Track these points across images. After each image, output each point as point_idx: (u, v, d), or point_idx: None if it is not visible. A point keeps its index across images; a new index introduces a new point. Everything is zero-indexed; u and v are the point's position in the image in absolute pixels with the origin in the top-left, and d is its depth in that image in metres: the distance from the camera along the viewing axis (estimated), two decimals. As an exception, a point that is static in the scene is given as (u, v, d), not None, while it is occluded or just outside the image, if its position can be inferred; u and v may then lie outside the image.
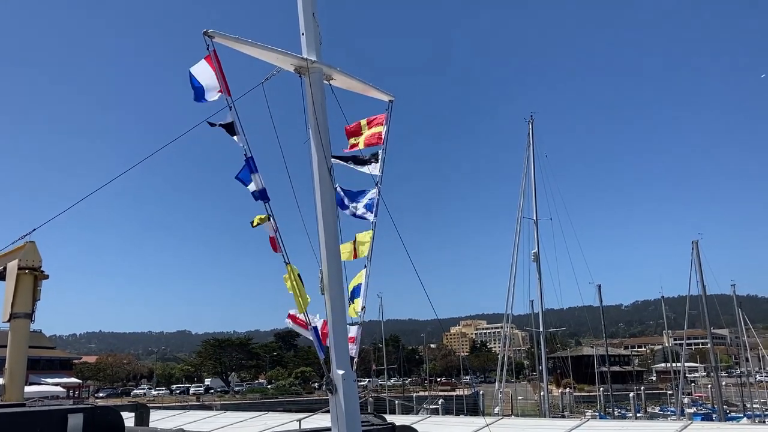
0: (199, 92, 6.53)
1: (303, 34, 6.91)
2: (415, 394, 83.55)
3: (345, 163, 7.90)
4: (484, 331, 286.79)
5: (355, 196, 7.94)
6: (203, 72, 6.46)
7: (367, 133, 8.04)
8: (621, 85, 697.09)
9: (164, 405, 55.09)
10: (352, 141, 8.04)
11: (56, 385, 74.92)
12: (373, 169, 7.91)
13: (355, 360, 7.00)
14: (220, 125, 6.51)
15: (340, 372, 6.10)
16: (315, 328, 6.54)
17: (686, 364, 65.02)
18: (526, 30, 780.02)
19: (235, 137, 6.46)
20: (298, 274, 6.48)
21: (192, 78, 6.51)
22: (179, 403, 69.41)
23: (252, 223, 6.52)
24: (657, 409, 66.69)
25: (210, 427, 17.27)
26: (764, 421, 51.46)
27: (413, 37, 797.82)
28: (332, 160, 7.04)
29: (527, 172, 48.13)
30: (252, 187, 6.45)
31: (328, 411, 6.34)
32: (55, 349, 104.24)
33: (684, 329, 62.44)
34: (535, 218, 47.37)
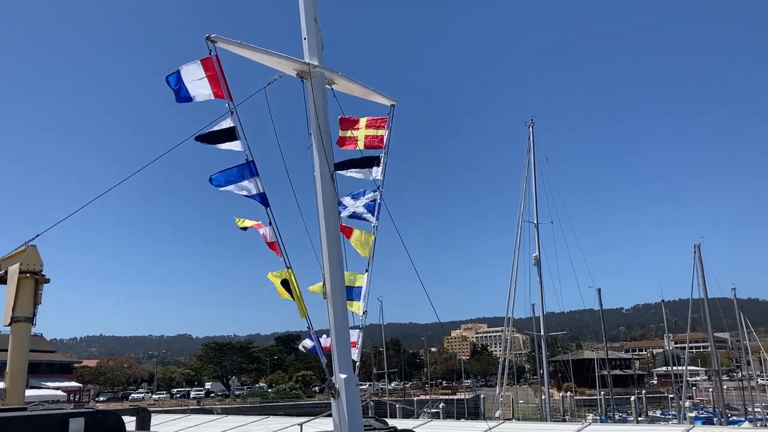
0: (181, 93, 6.50)
1: (305, 38, 6.91)
2: (415, 398, 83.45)
3: (344, 172, 7.87)
4: (485, 334, 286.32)
5: (356, 194, 7.94)
6: (192, 73, 6.44)
7: (366, 132, 8.03)
8: (622, 88, 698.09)
9: (165, 409, 55.02)
10: (348, 134, 7.99)
11: (57, 389, 74.73)
12: (375, 173, 7.90)
13: (357, 364, 6.99)
14: (216, 132, 6.48)
15: (343, 376, 6.09)
16: (315, 333, 6.54)
17: (687, 368, 64.86)
18: (527, 32, 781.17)
19: (232, 143, 6.44)
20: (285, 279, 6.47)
21: (179, 77, 6.47)
22: (180, 407, 69.29)
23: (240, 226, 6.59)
24: (658, 413, 66.52)
25: None
26: (766, 425, 51.37)
27: (414, 39, 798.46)
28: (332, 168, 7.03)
29: (527, 175, 48.08)
30: (233, 188, 6.45)
31: (329, 415, 6.32)
32: (56, 353, 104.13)
33: (687, 332, 62.24)
34: (535, 222, 47.32)
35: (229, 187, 6.45)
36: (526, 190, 47.84)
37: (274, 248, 6.44)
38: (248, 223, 6.65)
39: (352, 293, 7.49)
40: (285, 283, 6.45)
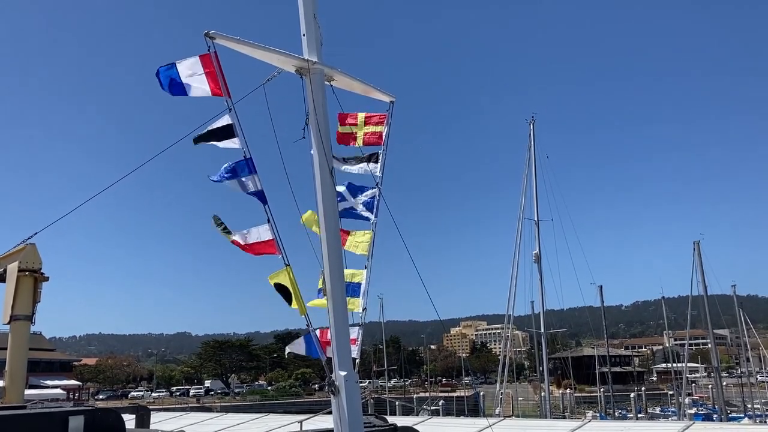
0: (176, 87, 6.46)
1: (304, 35, 6.89)
2: (415, 395, 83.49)
3: (343, 168, 7.86)
4: (485, 332, 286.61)
5: (355, 191, 7.94)
6: (190, 69, 6.42)
7: (365, 129, 8.03)
8: (622, 86, 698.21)
9: (164, 407, 55.02)
10: (346, 129, 8.00)
11: (56, 387, 74.88)
12: (374, 169, 7.90)
13: (357, 361, 6.98)
14: (214, 129, 6.46)
15: (343, 373, 6.07)
16: (314, 331, 6.52)
17: (687, 365, 64.96)
18: (527, 30, 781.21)
19: (230, 140, 6.43)
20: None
21: (173, 71, 6.44)
22: (179, 405, 69.32)
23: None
24: (658, 410, 66.69)
25: (211, 429, 17.24)
26: (765, 422, 51.44)
27: (414, 37, 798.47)
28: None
29: (528, 173, 48.11)
30: (234, 185, 6.42)
31: (329, 412, 6.31)
32: (55, 351, 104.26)
33: (686, 329, 62.40)
34: (536, 219, 47.34)
35: (228, 183, 6.43)
36: (526, 187, 47.89)
37: (269, 248, 6.42)
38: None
39: (350, 289, 7.48)
40: (277, 288, 6.39)
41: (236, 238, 6.59)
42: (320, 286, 7.36)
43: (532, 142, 48.53)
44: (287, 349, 7.04)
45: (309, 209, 7.12)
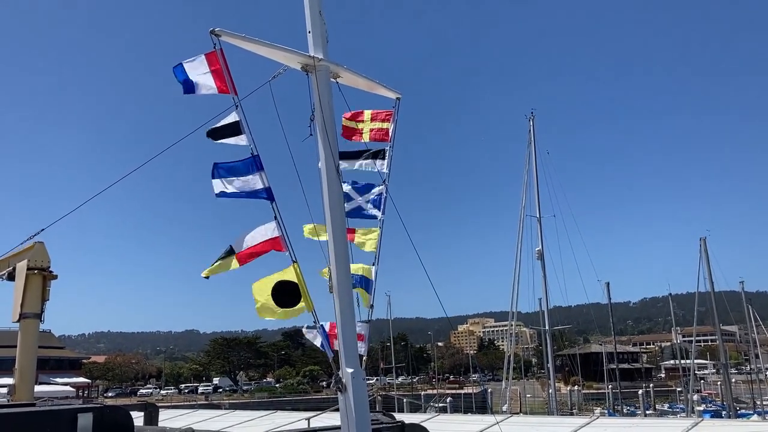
0: (187, 85, 6.50)
1: (310, 32, 6.88)
2: (423, 393, 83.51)
3: (349, 165, 7.85)
4: (492, 329, 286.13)
5: (361, 190, 7.92)
6: (196, 67, 6.45)
7: (371, 125, 8.01)
8: (625, 81, 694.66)
9: (173, 404, 55.27)
10: (351, 124, 7.99)
11: (65, 384, 75.25)
12: (381, 166, 7.88)
13: (364, 358, 6.97)
14: (221, 127, 6.47)
15: (350, 370, 6.06)
16: (322, 327, 6.51)
17: (695, 361, 64.68)
18: (527, 26, 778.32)
19: (237, 137, 6.43)
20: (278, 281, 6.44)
21: (182, 71, 6.47)
22: (188, 403, 69.62)
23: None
24: (666, 407, 66.41)
25: (219, 426, 17.28)
26: (774, 418, 51.17)
27: (414, 33, 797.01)
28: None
29: (528, 169, 47.87)
30: (220, 186, 6.43)
31: (337, 410, 6.31)
32: (65, 349, 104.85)
33: (693, 326, 62.12)
34: (538, 216, 47.10)
35: (231, 185, 6.43)
36: (527, 183, 47.64)
37: (276, 245, 6.42)
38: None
39: (358, 282, 7.45)
40: (282, 287, 6.37)
41: (242, 249, 6.61)
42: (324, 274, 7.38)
43: (533, 138, 48.27)
44: (304, 330, 7.05)
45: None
